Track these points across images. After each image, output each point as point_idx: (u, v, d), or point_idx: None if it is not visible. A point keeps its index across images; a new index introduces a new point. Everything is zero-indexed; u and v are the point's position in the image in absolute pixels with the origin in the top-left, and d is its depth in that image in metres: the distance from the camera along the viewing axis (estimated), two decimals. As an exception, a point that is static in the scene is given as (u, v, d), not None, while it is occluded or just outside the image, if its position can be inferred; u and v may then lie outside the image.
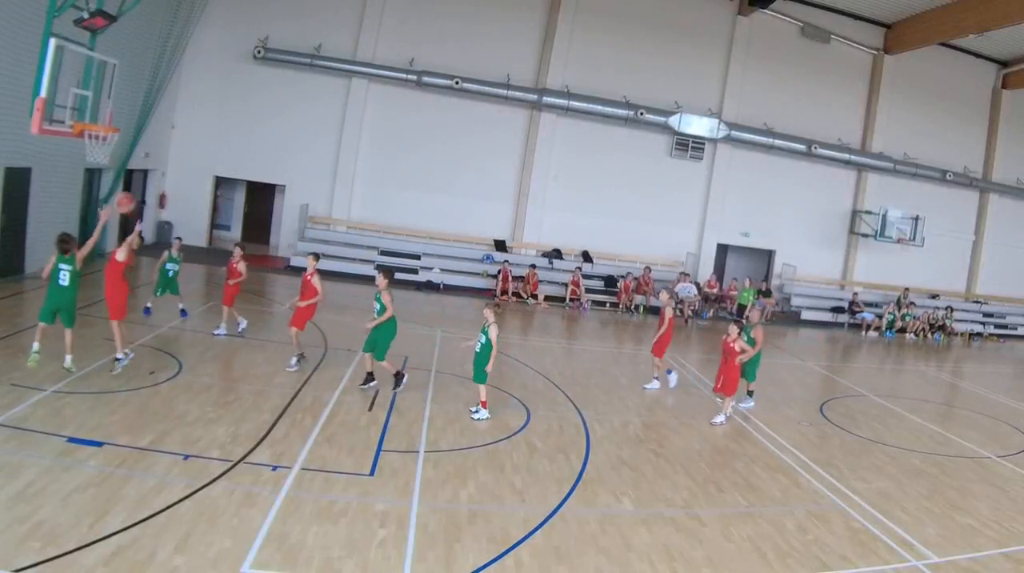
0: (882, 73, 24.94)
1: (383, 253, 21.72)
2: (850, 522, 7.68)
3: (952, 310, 24.43)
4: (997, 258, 27.16)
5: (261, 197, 24.34)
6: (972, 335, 24.93)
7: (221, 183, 23.08)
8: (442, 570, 5.83)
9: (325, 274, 19.24)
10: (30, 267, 14.75)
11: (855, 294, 24.11)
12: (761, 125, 23.95)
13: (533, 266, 21.20)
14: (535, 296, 20.77)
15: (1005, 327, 26.28)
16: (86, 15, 11.27)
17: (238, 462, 7.31)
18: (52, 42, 10.32)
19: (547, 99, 22.30)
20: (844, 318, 23.73)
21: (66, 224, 16.07)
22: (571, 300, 21.00)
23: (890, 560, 6.88)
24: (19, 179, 14.30)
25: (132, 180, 20.22)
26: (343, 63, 21.40)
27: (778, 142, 24.02)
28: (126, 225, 20.20)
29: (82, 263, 9.07)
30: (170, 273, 12.72)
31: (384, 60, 21.70)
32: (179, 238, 13.78)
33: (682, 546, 6.73)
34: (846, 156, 24.69)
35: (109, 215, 9.81)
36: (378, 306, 9.95)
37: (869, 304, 24.20)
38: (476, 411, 9.71)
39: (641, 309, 21.26)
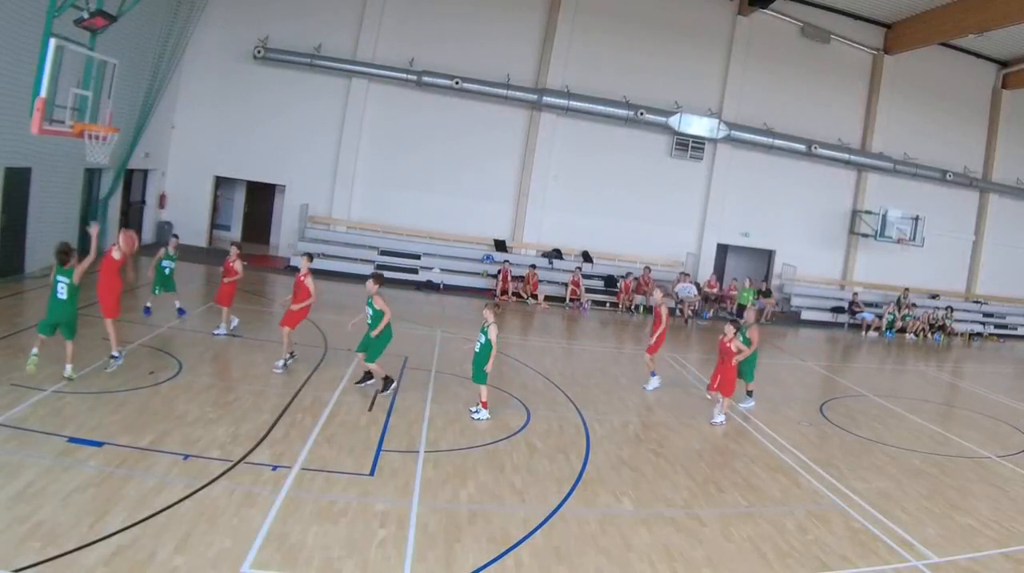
0: (882, 73, 24.94)
1: (383, 253, 21.73)
2: (850, 522, 7.68)
3: (952, 310, 24.42)
4: (997, 258, 27.15)
5: (261, 197, 24.36)
6: (972, 335, 24.93)
7: (221, 183, 23.09)
8: (442, 570, 5.84)
9: (325, 274, 19.58)
10: (30, 267, 14.75)
11: (855, 294, 24.11)
12: (761, 125, 23.94)
13: (533, 266, 21.20)
14: (535, 296, 20.77)
15: (1005, 327, 26.27)
16: (86, 15, 11.26)
17: (238, 462, 7.31)
18: (52, 42, 10.31)
19: (547, 99, 22.30)
20: (844, 318, 23.72)
21: (66, 224, 16.11)
22: (571, 300, 21.00)
23: (890, 560, 6.88)
24: (19, 179, 14.30)
25: (132, 180, 20.22)
26: (343, 63, 21.40)
27: (778, 142, 24.02)
28: (127, 225, 20.26)
29: (80, 278, 8.86)
30: (166, 270, 12.74)
31: (384, 60, 21.70)
32: (176, 236, 13.79)
33: (682, 546, 6.73)
34: (846, 156, 24.69)
35: (98, 231, 9.71)
36: (371, 311, 9.85)
37: (869, 304, 24.19)
38: (476, 411, 9.71)
39: (641, 309, 21.26)
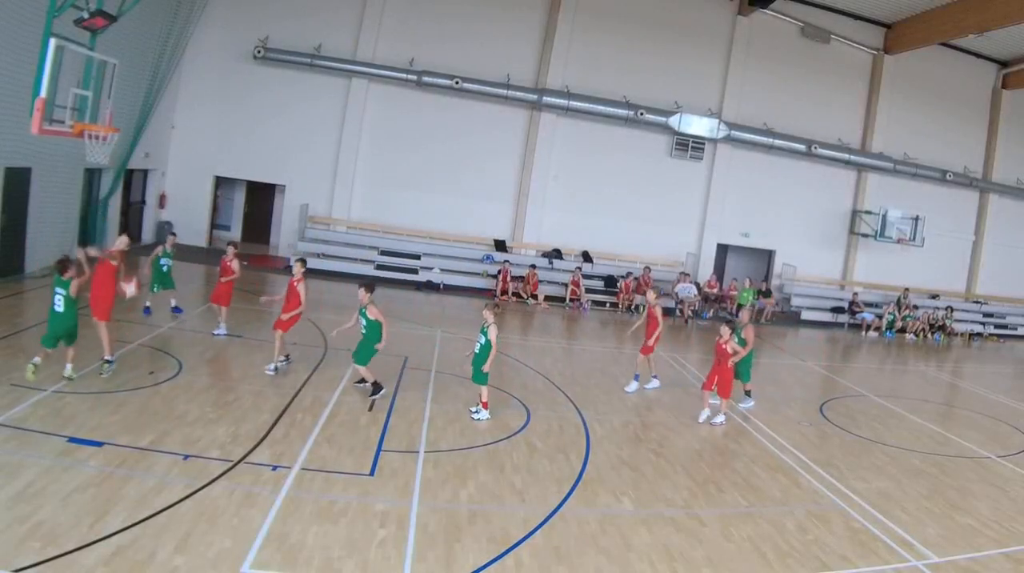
0: (882, 73, 24.94)
1: (383, 253, 21.74)
2: (850, 522, 7.68)
3: (952, 310, 24.42)
4: (997, 258, 27.14)
5: (261, 197, 24.37)
6: (972, 335, 24.93)
7: (221, 183, 23.10)
8: (442, 570, 5.84)
9: (326, 274, 19.58)
10: (30, 267, 14.76)
11: (855, 294, 24.10)
12: (761, 125, 23.94)
13: (533, 266, 21.20)
14: (535, 296, 20.76)
15: (1005, 327, 26.27)
16: (86, 15, 11.26)
17: (238, 462, 7.31)
18: (52, 42, 10.31)
19: (547, 99, 22.30)
20: (844, 318, 23.72)
21: (66, 224, 16.12)
22: (571, 300, 20.99)
23: (890, 560, 6.88)
24: (19, 179, 14.30)
25: (132, 180, 20.23)
26: (343, 63, 21.40)
27: (778, 142, 24.02)
28: (127, 225, 20.27)
29: (77, 292, 8.76)
30: (164, 268, 12.77)
31: (384, 60, 21.70)
32: (173, 234, 13.80)
33: (682, 546, 6.73)
34: (846, 156, 24.69)
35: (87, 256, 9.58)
36: (365, 321, 9.69)
37: (869, 304, 24.19)
38: (476, 411, 9.71)
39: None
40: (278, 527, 6.12)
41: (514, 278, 20.87)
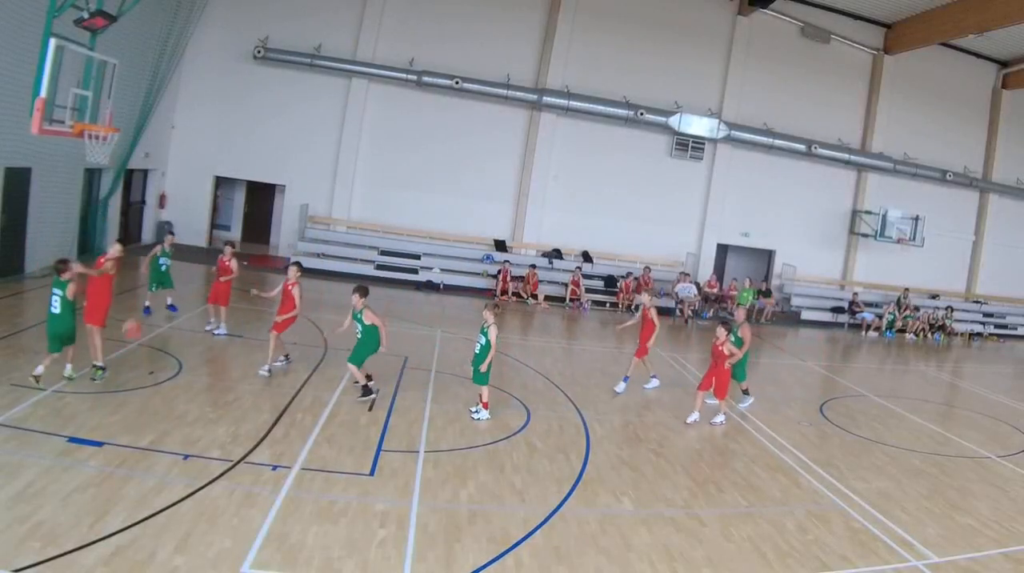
0: (882, 73, 24.94)
1: (383, 253, 21.74)
2: (850, 522, 7.68)
3: (952, 310, 24.43)
4: (997, 258, 27.14)
5: (261, 197, 24.37)
6: (972, 335, 24.93)
7: (221, 183, 23.10)
8: (442, 570, 5.84)
9: (326, 274, 19.58)
10: (30, 267, 14.76)
11: (855, 294, 24.11)
12: (761, 125, 23.95)
13: (533, 266, 21.20)
14: (535, 296, 20.77)
15: (1005, 327, 26.27)
16: (86, 15, 11.26)
17: (238, 462, 7.31)
18: (52, 42, 10.32)
19: (547, 99, 22.30)
20: (844, 318, 23.72)
21: (66, 224, 16.12)
22: (571, 300, 20.99)
23: (890, 560, 6.88)
24: (19, 179, 14.30)
25: (132, 180, 20.23)
26: (343, 63, 21.40)
27: (778, 142, 24.02)
28: (127, 225, 20.28)
29: (74, 295, 8.69)
30: (163, 267, 12.79)
31: (384, 60, 21.70)
32: (172, 233, 13.81)
33: (682, 546, 6.73)
34: (846, 156, 24.69)
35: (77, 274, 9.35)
36: (360, 326, 9.57)
37: (869, 304, 24.19)
38: (476, 411, 9.71)
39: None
40: (278, 527, 6.12)
41: (514, 278, 20.87)
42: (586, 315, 20.41)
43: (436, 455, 8.24)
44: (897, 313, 23.43)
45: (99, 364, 9.13)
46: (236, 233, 24.22)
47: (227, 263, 12.21)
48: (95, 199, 17.97)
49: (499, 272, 20.87)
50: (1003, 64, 26.34)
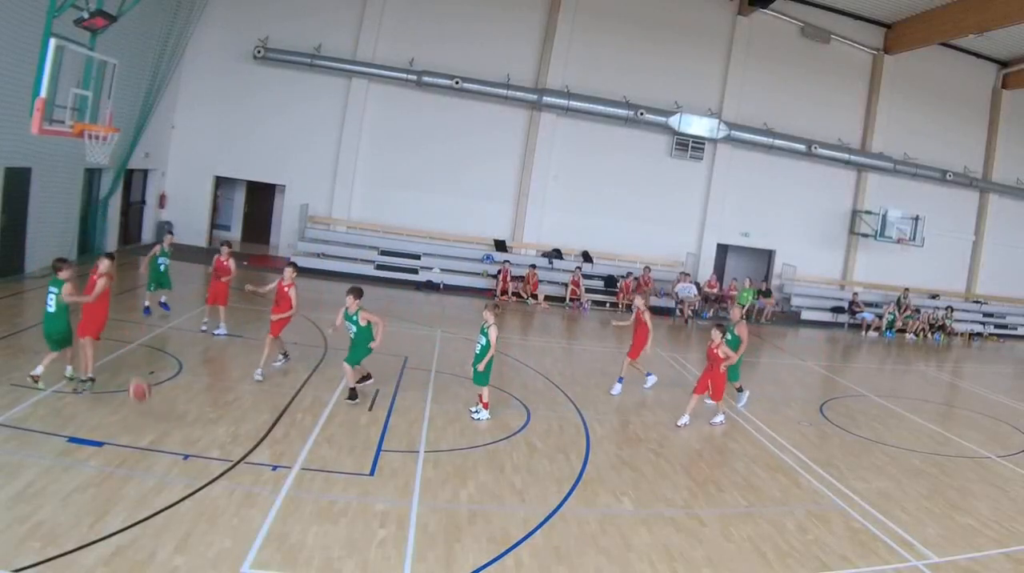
0: (882, 73, 24.93)
1: (383, 253, 21.74)
2: (850, 522, 7.68)
3: (952, 310, 24.43)
4: (997, 258, 27.13)
5: (261, 197, 24.37)
6: (972, 335, 24.93)
7: (221, 183, 23.10)
8: (442, 570, 5.84)
9: (326, 274, 19.58)
10: (30, 267, 14.76)
11: (855, 294, 24.10)
12: (761, 125, 23.94)
13: (533, 266, 21.20)
14: (535, 296, 20.76)
15: (1005, 327, 26.26)
16: (86, 15, 11.26)
17: (238, 462, 7.31)
18: (52, 42, 10.31)
19: (547, 99, 22.30)
20: (844, 318, 23.72)
21: (66, 224, 16.12)
22: (571, 300, 20.99)
23: (890, 560, 6.88)
24: (19, 179, 14.30)
25: (132, 180, 20.23)
26: (343, 63, 21.40)
27: (778, 142, 24.02)
28: (127, 225, 20.29)
29: (69, 297, 8.50)
30: (161, 267, 12.77)
31: (384, 60, 21.70)
32: (171, 233, 13.79)
33: (682, 546, 6.73)
34: (846, 156, 24.69)
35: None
36: (355, 328, 9.42)
37: (869, 304, 24.19)
38: (476, 411, 9.71)
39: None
40: (278, 527, 6.12)
41: (514, 278, 20.87)
42: (586, 315, 20.41)
43: (436, 455, 8.24)
44: (897, 313, 23.43)
45: (85, 377, 8.80)
46: (236, 233, 24.22)
47: (225, 263, 12.18)
48: (95, 199, 17.97)
49: (499, 272, 20.87)
50: (1003, 64, 26.34)
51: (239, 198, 24.43)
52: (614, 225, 23.61)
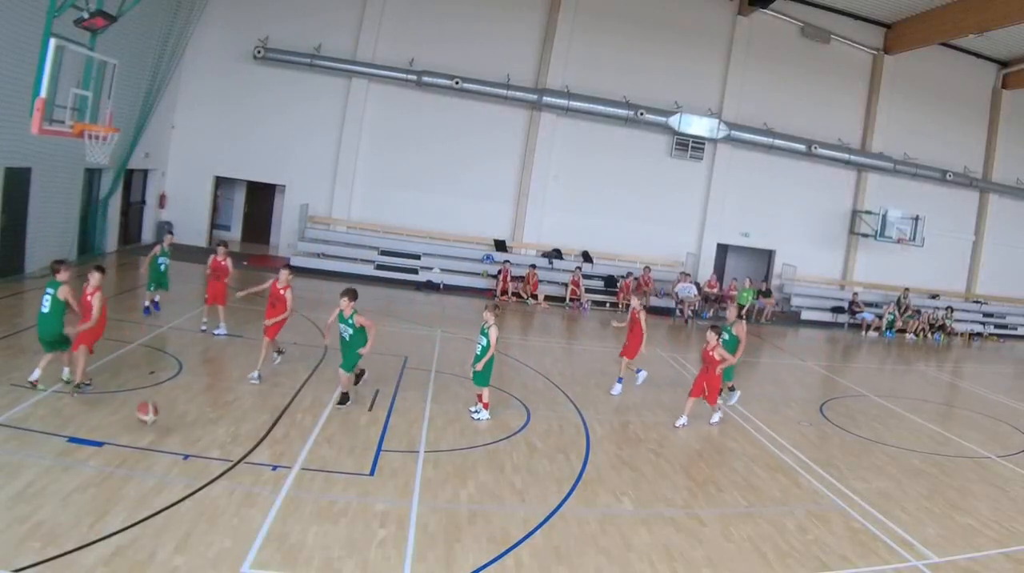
0: (882, 73, 24.94)
1: (383, 253, 21.74)
2: (850, 522, 7.68)
3: (952, 310, 24.43)
4: (997, 258, 27.14)
5: (261, 197, 24.37)
6: (972, 335, 24.93)
7: (221, 183, 23.10)
8: (442, 570, 5.84)
9: (326, 274, 19.57)
10: (30, 267, 14.76)
11: (855, 294, 24.11)
12: (761, 125, 23.95)
13: (533, 266, 21.20)
14: (535, 296, 20.76)
15: (1005, 327, 26.27)
16: (86, 15, 11.26)
17: (238, 462, 7.31)
18: (52, 42, 10.31)
19: (547, 99, 22.30)
20: (844, 318, 23.72)
21: (66, 224, 16.12)
22: (571, 300, 20.99)
23: (890, 560, 6.88)
24: (19, 179, 14.30)
25: (132, 180, 20.22)
26: (343, 63, 21.40)
27: (778, 142, 24.02)
28: (127, 225, 20.28)
29: (64, 298, 8.44)
30: (162, 267, 12.77)
31: (384, 60, 21.70)
32: (171, 233, 13.77)
33: (682, 546, 6.73)
34: (846, 156, 24.69)
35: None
36: (351, 330, 9.32)
37: (869, 304, 24.19)
38: (476, 411, 9.71)
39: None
40: (278, 527, 6.12)
41: (514, 278, 20.87)
42: (586, 315, 20.40)
43: (436, 455, 8.24)
44: (897, 313, 23.43)
45: (80, 382, 8.70)
46: (236, 233, 24.24)
47: (223, 262, 12.17)
48: (95, 199, 17.96)
49: (499, 272, 20.87)
50: (1003, 64, 26.34)
51: (239, 198, 24.43)
52: (614, 225, 23.62)
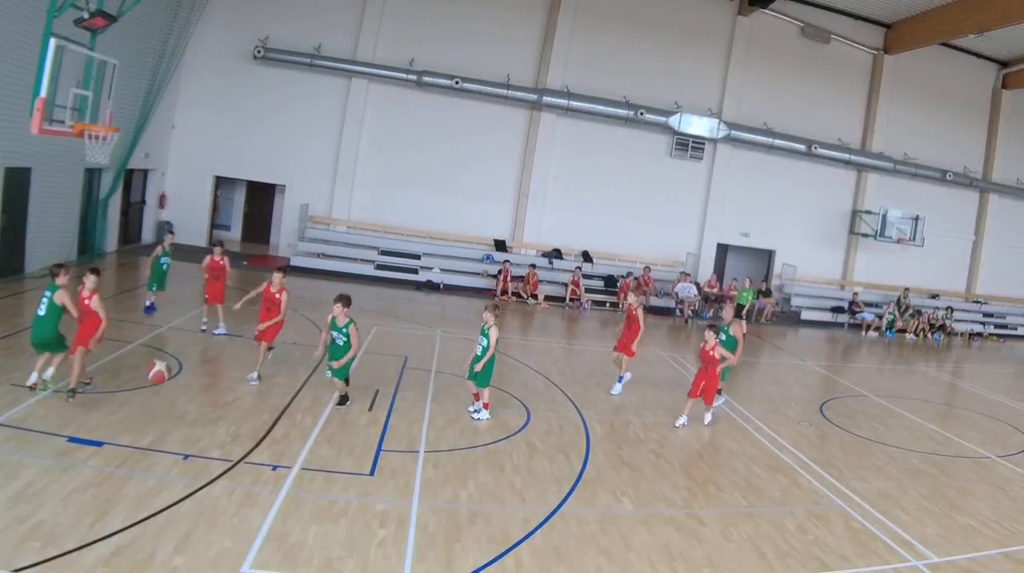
0: (882, 73, 24.94)
1: (383, 253, 21.74)
2: (850, 522, 7.68)
3: (952, 310, 24.43)
4: (997, 258, 27.14)
5: (261, 197, 24.38)
6: (972, 335, 24.93)
7: (221, 183, 23.09)
8: (442, 570, 5.84)
9: (326, 274, 19.57)
10: (30, 267, 14.76)
11: (855, 294, 24.11)
12: (761, 125, 23.95)
13: (533, 266, 21.19)
14: (535, 296, 20.76)
15: (1005, 327, 26.27)
16: (86, 15, 11.25)
17: (238, 462, 7.31)
18: (52, 42, 10.31)
19: (547, 99, 22.30)
20: (844, 318, 23.72)
21: (66, 224, 16.12)
22: (571, 300, 20.99)
23: (890, 560, 6.88)
24: (19, 179, 14.30)
25: (132, 180, 20.22)
26: (343, 63, 21.40)
27: (778, 142, 24.02)
28: (127, 225, 20.28)
29: (61, 301, 8.35)
30: (164, 266, 12.78)
31: (384, 60, 21.70)
32: (171, 233, 13.77)
33: (682, 546, 6.73)
34: (846, 156, 24.69)
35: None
36: (344, 338, 9.23)
37: (869, 304, 24.19)
38: (476, 411, 9.71)
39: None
40: (278, 527, 6.12)
41: (514, 278, 20.87)
42: (586, 315, 20.41)
43: (436, 455, 8.24)
44: (897, 313, 23.43)
45: (85, 381, 8.73)
46: (236, 233, 24.24)
47: (220, 262, 12.16)
48: (95, 199, 17.96)
49: (499, 272, 20.87)
50: (1003, 64, 26.34)
51: (239, 198, 24.43)
52: (614, 225, 23.62)
